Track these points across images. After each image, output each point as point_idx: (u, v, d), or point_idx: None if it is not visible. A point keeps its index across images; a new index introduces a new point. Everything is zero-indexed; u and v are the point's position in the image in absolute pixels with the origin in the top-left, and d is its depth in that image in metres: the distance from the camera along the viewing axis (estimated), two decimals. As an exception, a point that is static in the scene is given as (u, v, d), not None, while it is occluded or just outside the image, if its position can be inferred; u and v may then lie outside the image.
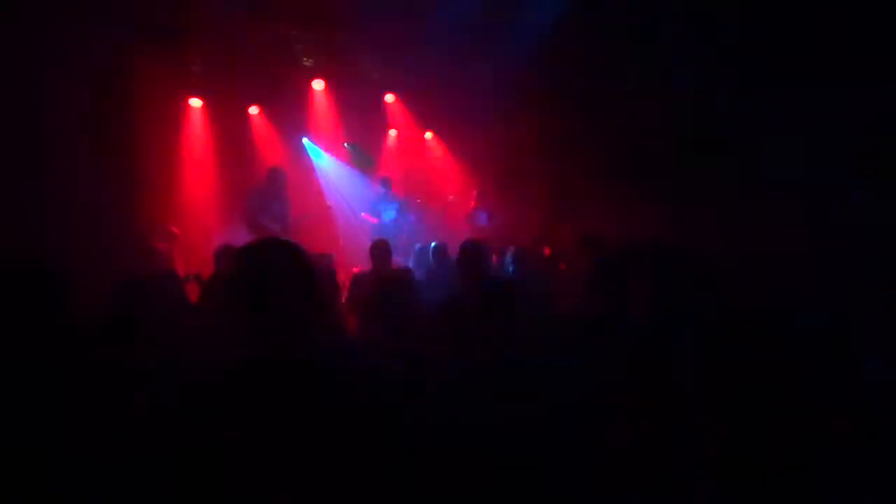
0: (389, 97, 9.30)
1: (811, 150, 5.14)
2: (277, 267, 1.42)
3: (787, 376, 1.27)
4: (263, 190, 6.68)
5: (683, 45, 6.30)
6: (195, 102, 8.52)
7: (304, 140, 9.68)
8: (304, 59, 8.04)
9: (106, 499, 1.65)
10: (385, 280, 3.15)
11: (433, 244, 5.40)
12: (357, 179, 9.75)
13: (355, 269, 6.79)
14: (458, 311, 2.41)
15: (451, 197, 9.85)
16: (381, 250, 4.98)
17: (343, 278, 5.41)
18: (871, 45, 4.70)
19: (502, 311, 2.14)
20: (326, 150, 9.82)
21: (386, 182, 8.45)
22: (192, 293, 4.75)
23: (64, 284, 1.94)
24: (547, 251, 6.60)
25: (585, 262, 4.56)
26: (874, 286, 3.31)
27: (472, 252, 3.94)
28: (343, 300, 4.64)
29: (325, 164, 9.86)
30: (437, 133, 10.32)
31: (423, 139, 10.38)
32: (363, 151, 9.41)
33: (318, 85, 8.65)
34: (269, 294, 1.39)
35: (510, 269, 5.25)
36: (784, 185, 5.24)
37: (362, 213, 8.58)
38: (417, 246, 5.65)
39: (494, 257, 6.11)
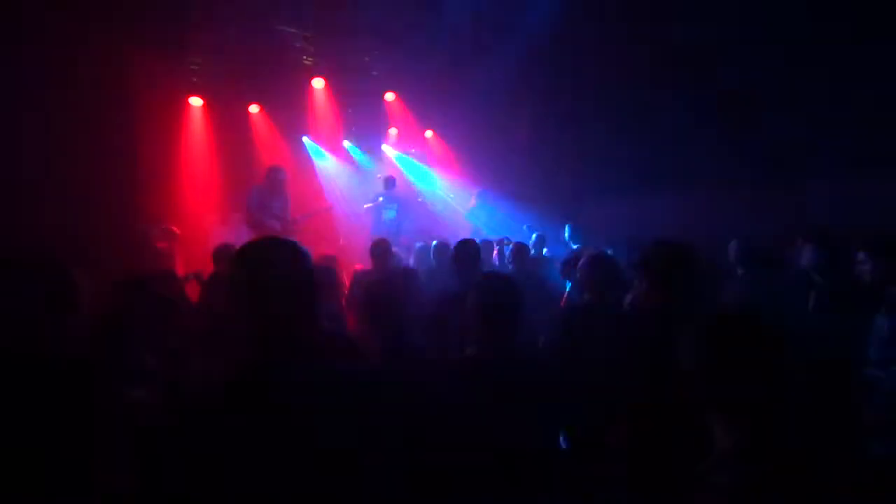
0: (389, 96, 9.30)
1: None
2: (278, 266, 1.41)
3: (789, 376, 1.27)
4: (263, 188, 6.68)
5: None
6: (195, 101, 8.52)
7: (305, 139, 9.70)
8: (305, 58, 8.04)
9: (105, 496, 1.65)
10: (379, 284, 3.14)
11: (434, 242, 5.40)
12: (357, 178, 9.77)
13: (357, 267, 6.79)
14: (456, 310, 2.40)
15: (450, 195, 9.86)
16: (381, 250, 4.98)
17: (343, 278, 5.40)
18: None
19: (500, 309, 2.13)
20: (327, 148, 9.85)
21: (389, 181, 8.47)
22: (192, 292, 4.76)
23: (66, 282, 1.94)
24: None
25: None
26: None
27: (468, 251, 3.92)
28: (343, 300, 4.64)
29: (326, 163, 9.89)
30: (437, 131, 10.33)
31: (424, 137, 10.41)
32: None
33: (318, 83, 8.65)
34: (269, 293, 1.38)
35: (510, 266, 5.26)
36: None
37: (364, 205, 8.56)
38: (418, 245, 5.65)
39: (495, 253, 6.12)
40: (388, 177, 8.52)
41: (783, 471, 1.15)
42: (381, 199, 8.25)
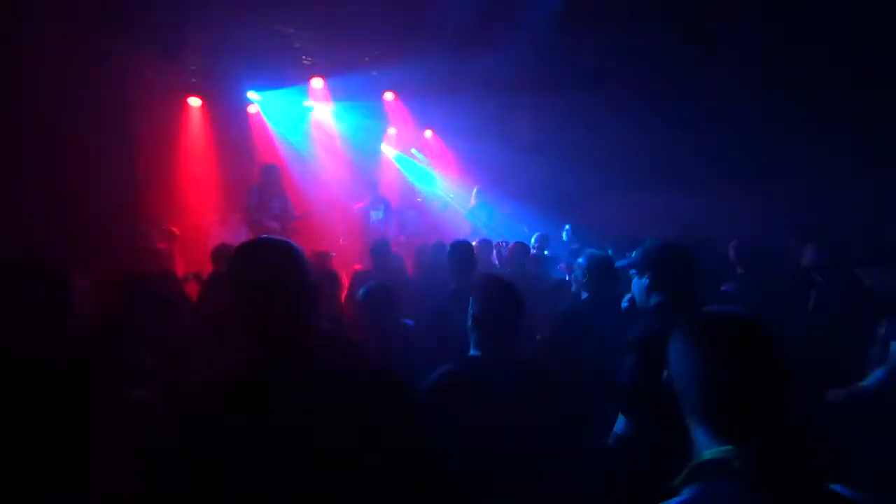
0: (389, 95, 9.31)
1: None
2: (273, 266, 1.41)
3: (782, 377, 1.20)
4: (260, 188, 6.69)
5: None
6: (194, 102, 8.52)
7: (304, 139, 9.71)
8: (304, 58, 8.03)
9: (105, 496, 1.65)
10: (375, 291, 3.15)
11: (433, 242, 5.41)
12: (356, 177, 9.78)
13: (356, 267, 6.79)
14: (454, 310, 2.40)
15: (450, 195, 9.87)
16: (381, 250, 4.98)
17: (343, 277, 5.41)
18: None
19: (500, 313, 2.13)
20: (325, 148, 9.85)
21: (370, 184, 8.59)
22: (192, 292, 4.76)
23: (65, 284, 1.95)
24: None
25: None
26: None
27: (462, 252, 3.91)
28: (343, 299, 4.65)
29: (324, 163, 9.90)
30: (436, 131, 10.34)
31: (423, 137, 10.41)
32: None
33: (316, 83, 8.66)
34: (266, 293, 1.38)
35: (508, 267, 5.27)
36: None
37: (355, 206, 8.67)
38: (417, 245, 5.66)
39: (494, 254, 6.12)
40: (369, 180, 8.68)
41: (765, 484, 1.07)
42: (368, 199, 8.37)
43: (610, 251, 4.86)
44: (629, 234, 6.00)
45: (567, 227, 7.14)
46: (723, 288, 4.04)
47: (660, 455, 1.72)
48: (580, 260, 3.37)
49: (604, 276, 3.22)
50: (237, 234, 6.80)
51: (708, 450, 1.16)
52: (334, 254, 6.58)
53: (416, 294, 4.33)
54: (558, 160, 8.83)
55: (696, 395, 1.19)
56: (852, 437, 2.57)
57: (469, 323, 2.14)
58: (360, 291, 3.24)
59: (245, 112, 9.04)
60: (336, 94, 8.91)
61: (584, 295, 3.32)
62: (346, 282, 5.23)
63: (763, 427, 1.13)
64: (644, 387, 2.06)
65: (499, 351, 2.08)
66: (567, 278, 4.89)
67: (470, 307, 2.15)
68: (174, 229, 7.00)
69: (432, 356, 2.86)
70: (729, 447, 1.13)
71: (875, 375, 2.94)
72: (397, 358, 2.88)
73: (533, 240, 6.46)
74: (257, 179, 6.83)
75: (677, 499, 1.11)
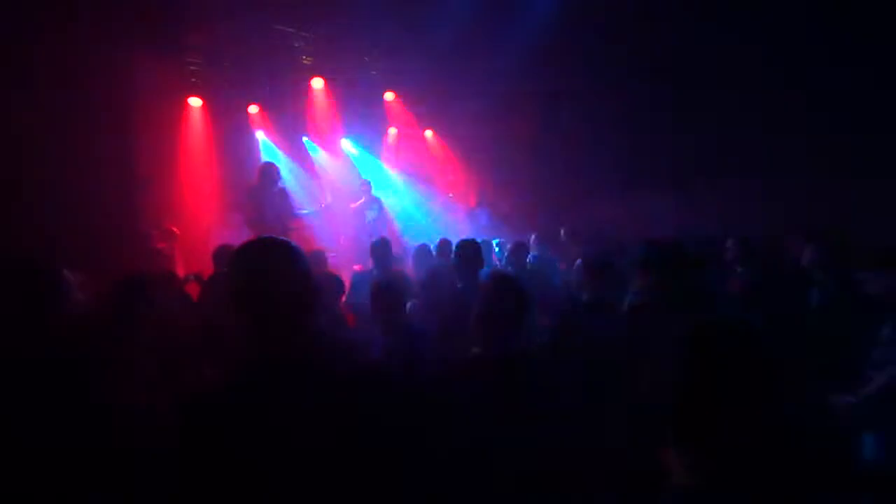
0: (389, 95, 9.30)
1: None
2: (273, 267, 1.41)
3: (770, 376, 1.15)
4: (259, 187, 6.69)
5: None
6: (195, 102, 8.51)
7: (304, 138, 9.71)
8: (304, 57, 8.03)
9: (103, 496, 1.66)
10: (382, 285, 3.15)
11: (437, 241, 5.41)
12: (353, 177, 9.80)
13: (356, 268, 6.79)
14: (458, 309, 2.40)
15: (451, 194, 9.86)
16: (381, 250, 4.97)
17: (343, 278, 5.41)
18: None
19: (505, 309, 2.13)
20: (326, 147, 9.85)
21: (365, 184, 8.62)
22: (192, 293, 4.76)
23: (62, 283, 1.95)
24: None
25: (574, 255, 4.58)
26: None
27: (469, 251, 3.90)
28: (343, 299, 4.65)
29: (325, 162, 9.90)
30: (436, 131, 10.33)
31: (423, 137, 10.40)
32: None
33: (317, 83, 8.65)
34: (265, 295, 1.38)
35: (509, 267, 5.27)
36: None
37: (351, 205, 8.72)
38: (417, 245, 5.65)
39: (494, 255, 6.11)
40: (364, 180, 8.69)
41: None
42: (363, 199, 8.41)
43: (608, 251, 4.85)
44: (628, 234, 6.00)
45: (562, 230, 7.13)
46: (722, 288, 4.03)
47: (643, 465, 1.71)
48: (579, 261, 3.37)
49: (602, 277, 3.21)
50: (238, 235, 6.80)
51: (683, 464, 1.12)
52: (333, 253, 6.57)
53: (420, 294, 4.33)
54: (558, 160, 8.82)
55: (677, 404, 1.15)
56: (854, 439, 2.56)
57: (473, 321, 2.14)
58: (369, 290, 3.22)
59: (246, 112, 9.04)
60: (336, 94, 8.91)
61: (585, 296, 3.32)
62: (346, 282, 5.23)
63: (743, 443, 1.09)
64: (637, 390, 2.06)
65: (502, 350, 2.08)
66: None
67: (474, 305, 2.16)
68: (174, 229, 7.00)
69: (436, 354, 2.86)
70: (702, 463, 1.09)
71: (880, 377, 2.92)
72: (401, 357, 2.88)
73: (532, 239, 6.45)
74: (256, 179, 6.83)
75: None
